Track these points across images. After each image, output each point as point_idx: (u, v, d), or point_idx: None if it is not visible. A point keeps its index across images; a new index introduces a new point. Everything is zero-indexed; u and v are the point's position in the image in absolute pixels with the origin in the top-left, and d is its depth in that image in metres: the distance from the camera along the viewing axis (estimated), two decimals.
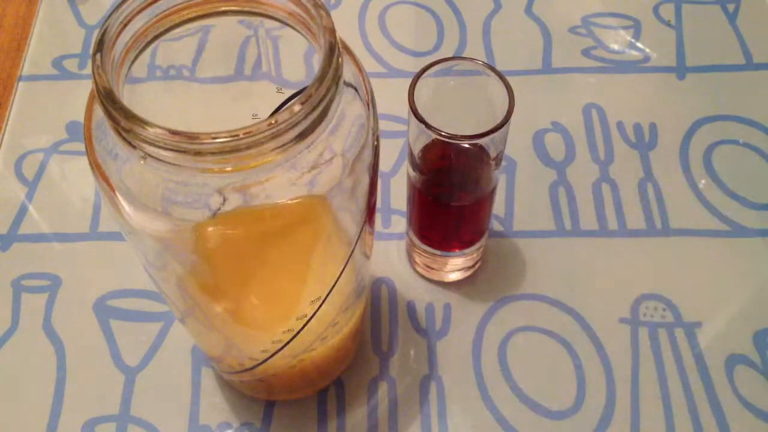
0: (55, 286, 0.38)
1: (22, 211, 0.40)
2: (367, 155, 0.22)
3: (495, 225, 0.39)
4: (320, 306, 0.26)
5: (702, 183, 0.41)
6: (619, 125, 0.43)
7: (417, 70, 0.31)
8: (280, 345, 0.27)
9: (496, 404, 0.34)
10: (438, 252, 0.36)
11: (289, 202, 0.21)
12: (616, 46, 0.46)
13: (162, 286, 0.26)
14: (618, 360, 0.35)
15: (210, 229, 0.21)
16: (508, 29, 0.47)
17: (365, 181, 0.23)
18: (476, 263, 0.37)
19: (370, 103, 0.22)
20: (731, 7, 0.48)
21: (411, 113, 0.29)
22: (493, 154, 0.31)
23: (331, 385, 0.35)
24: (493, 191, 0.33)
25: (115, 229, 0.39)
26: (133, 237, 0.22)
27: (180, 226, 0.21)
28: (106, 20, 0.20)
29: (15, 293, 0.37)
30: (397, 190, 0.41)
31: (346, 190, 0.22)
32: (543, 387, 0.35)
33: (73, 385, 0.35)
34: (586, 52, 0.46)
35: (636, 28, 0.47)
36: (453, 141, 0.29)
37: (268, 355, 0.28)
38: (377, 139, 0.23)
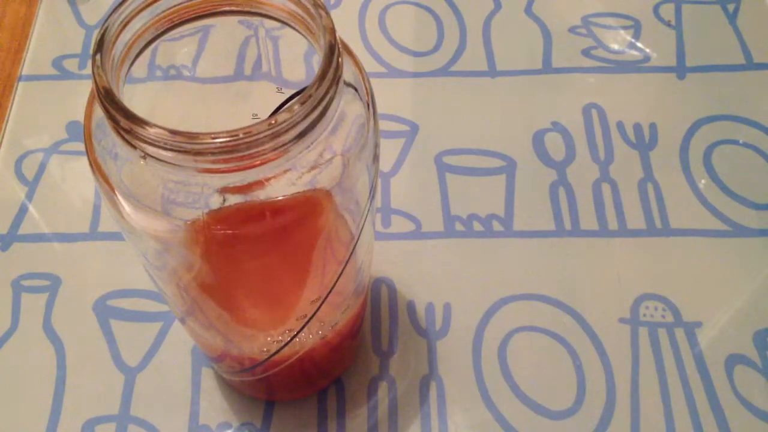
0: (54, 286, 0.38)
1: (22, 211, 0.40)
2: (367, 155, 0.22)
3: (495, 225, 0.39)
4: (320, 306, 0.26)
5: (702, 183, 0.41)
6: (619, 125, 0.43)
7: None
8: (280, 345, 0.27)
9: (496, 404, 0.34)
10: None
11: (290, 199, 0.21)
12: (616, 46, 0.46)
13: (162, 286, 0.26)
14: (618, 360, 0.35)
15: (210, 229, 0.21)
16: (508, 29, 0.47)
17: (365, 181, 0.23)
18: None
19: (370, 103, 0.22)
20: (731, 7, 0.48)
21: None
22: None
23: (331, 385, 0.35)
24: None
25: (115, 229, 0.39)
26: (133, 237, 0.22)
27: (180, 226, 0.21)
28: (106, 20, 0.20)
29: (15, 293, 0.37)
30: (397, 190, 0.41)
31: (346, 190, 0.22)
32: (543, 387, 0.35)
33: (73, 385, 0.35)
34: (586, 52, 0.46)
35: (636, 28, 0.47)
36: None
37: (268, 355, 0.28)
38: (377, 139, 0.23)
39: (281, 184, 0.20)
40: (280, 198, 0.21)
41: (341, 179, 0.21)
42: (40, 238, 0.39)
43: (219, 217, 0.20)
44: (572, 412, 0.34)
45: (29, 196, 0.40)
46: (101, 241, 0.39)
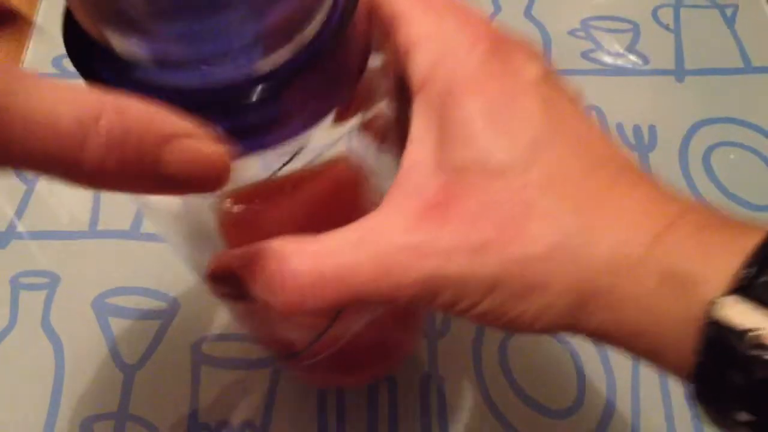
0: (53, 284, 0.37)
1: (21, 209, 0.40)
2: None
3: None
4: None
5: (701, 185, 0.41)
6: (619, 127, 0.43)
7: None
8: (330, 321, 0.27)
9: (496, 404, 0.34)
10: None
11: (316, 169, 0.20)
12: (615, 49, 0.47)
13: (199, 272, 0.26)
14: (618, 360, 0.35)
15: (236, 206, 0.21)
16: (507, 31, 0.47)
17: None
18: None
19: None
20: (729, 12, 0.48)
21: None
22: None
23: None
24: None
25: (114, 227, 0.39)
26: (165, 221, 0.22)
27: (204, 205, 0.21)
28: None
29: (13, 291, 0.37)
30: None
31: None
32: (543, 387, 0.35)
33: (72, 383, 0.35)
34: (585, 55, 0.46)
35: (635, 31, 0.47)
36: None
37: (315, 336, 0.27)
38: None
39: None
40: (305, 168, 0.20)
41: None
42: (39, 235, 0.39)
43: (243, 194, 0.20)
44: (572, 411, 0.34)
45: (28, 193, 0.40)
46: (100, 239, 0.39)
